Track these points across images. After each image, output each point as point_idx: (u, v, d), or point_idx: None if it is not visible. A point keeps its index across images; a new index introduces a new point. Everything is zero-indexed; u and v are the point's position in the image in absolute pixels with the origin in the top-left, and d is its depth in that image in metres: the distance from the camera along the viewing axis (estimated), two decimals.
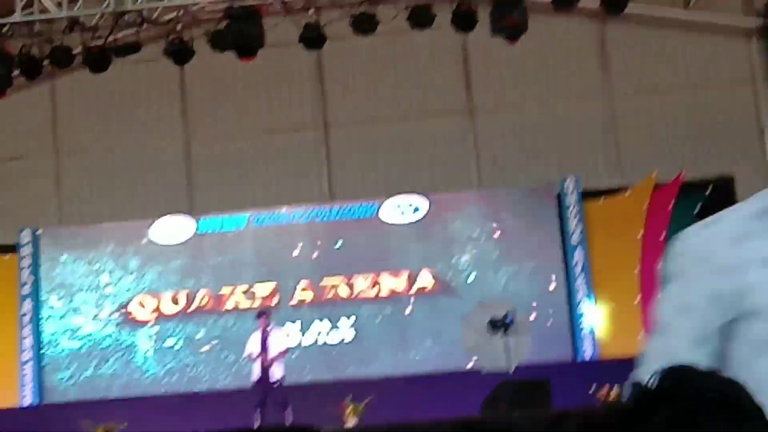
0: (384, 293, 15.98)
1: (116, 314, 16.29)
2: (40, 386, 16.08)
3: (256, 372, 13.26)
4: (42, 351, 16.22)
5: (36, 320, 16.31)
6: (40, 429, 13.85)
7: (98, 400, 15.37)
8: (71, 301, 16.39)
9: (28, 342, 16.23)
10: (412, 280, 15.95)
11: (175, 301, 16.25)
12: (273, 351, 13.29)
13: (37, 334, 16.26)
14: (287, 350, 13.50)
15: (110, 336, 16.25)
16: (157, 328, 16.21)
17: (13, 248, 16.62)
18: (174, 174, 17.33)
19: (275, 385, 13.12)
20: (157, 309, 16.25)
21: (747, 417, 1.05)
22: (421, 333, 15.71)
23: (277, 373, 13.22)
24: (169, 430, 12.53)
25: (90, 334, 16.27)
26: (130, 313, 16.28)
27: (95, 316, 16.32)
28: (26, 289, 16.41)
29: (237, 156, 17.23)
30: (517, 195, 16.21)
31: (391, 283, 15.98)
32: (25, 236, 16.61)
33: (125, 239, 16.52)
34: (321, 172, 17.12)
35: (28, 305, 16.34)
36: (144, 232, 16.46)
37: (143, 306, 16.29)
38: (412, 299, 15.91)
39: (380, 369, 15.36)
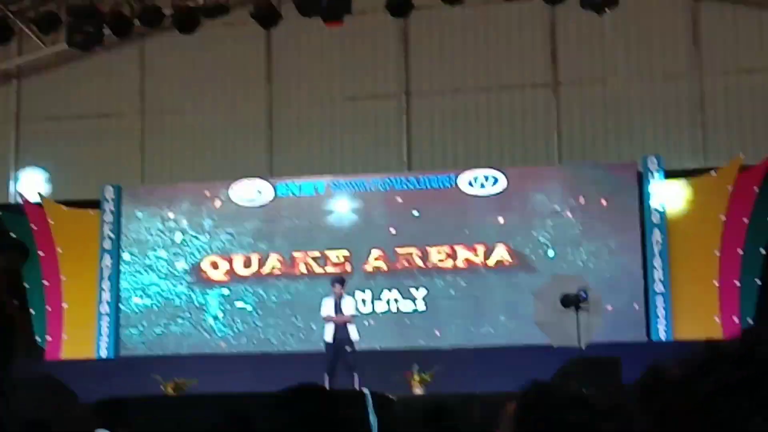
0: (460, 265, 15.93)
1: (189, 273, 16.51)
2: (116, 340, 16.41)
3: (328, 335, 13.36)
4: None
5: (115, 275, 16.63)
6: (113, 381, 14.11)
7: (170, 355, 15.65)
8: (146, 257, 16.66)
9: (106, 296, 16.56)
10: (488, 253, 15.87)
11: (248, 264, 16.41)
12: (346, 315, 13.39)
13: (115, 289, 16.58)
14: (353, 317, 13.55)
15: (182, 295, 16.49)
16: (228, 289, 16.39)
17: (96, 203, 16.94)
18: (255, 138, 17.47)
19: (348, 350, 13.20)
20: (230, 270, 16.43)
21: None
22: (495, 307, 15.63)
23: (352, 336, 13.31)
24: (240, 389, 12.67)
25: (161, 292, 16.53)
26: (203, 273, 16.49)
27: (167, 274, 16.56)
28: (107, 244, 16.74)
29: (318, 122, 17.30)
30: (598, 171, 15.99)
31: (467, 255, 15.91)
32: (108, 192, 16.91)
33: (203, 199, 16.71)
34: (400, 141, 17.10)
35: (107, 260, 16.68)
36: (223, 193, 16.63)
37: (216, 267, 16.48)
38: (488, 272, 15.83)
39: (451, 341, 15.35)
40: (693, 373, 1.03)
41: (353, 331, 13.36)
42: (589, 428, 2.49)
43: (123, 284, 16.60)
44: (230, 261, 16.48)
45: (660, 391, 1.06)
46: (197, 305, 16.43)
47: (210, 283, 16.48)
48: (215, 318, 16.38)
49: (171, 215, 16.73)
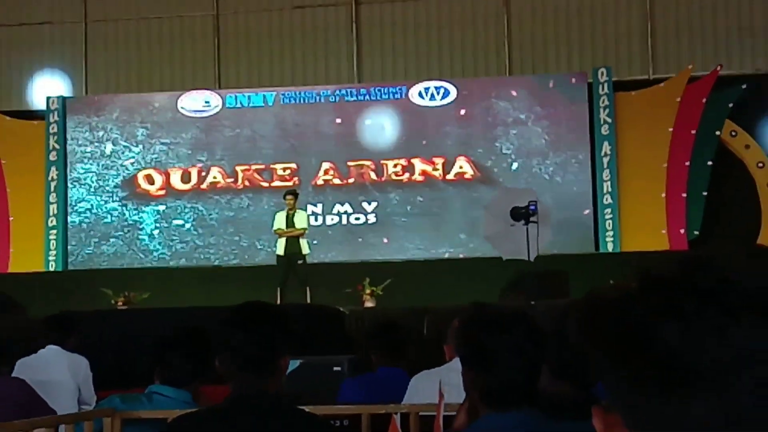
0: (414, 179, 15.91)
1: (121, 188, 16.34)
2: (64, 253, 16.29)
3: (280, 248, 13.31)
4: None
5: (62, 187, 16.43)
6: (62, 295, 14.03)
7: (121, 268, 15.56)
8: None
9: (54, 209, 16.39)
10: (447, 166, 15.84)
11: (186, 178, 16.25)
12: (299, 229, 13.29)
13: (63, 199, 16.40)
14: (305, 230, 13.47)
15: (114, 211, 16.35)
16: (164, 205, 16.25)
17: (41, 114, 16.66)
18: (202, 47, 17.18)
19: (299, 263, 13.16)
20: (166, 184, 16.27)
21: (740, 320, 1.00)
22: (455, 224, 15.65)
23: (303, 250, 13.25)
24: (193, 303, 12.66)
25: (90, 208, 16.37)
26: (138, 187, 16.32)
27: (96, 189, 16.39)
28: (53, 156, 16.50)
29: (266, 31, 17.04)
30: (548, 82, 15.98)
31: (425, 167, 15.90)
32: (53, 103, 16.62)
33: (151, 110, 16.49)
34: (350, 51, 16.91)
35: (54, 172, 16.46)
36: (170, 103, 16.41)
37: (151, 181, 16.31)
38: (447, 186, 15.82)
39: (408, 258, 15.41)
40: (628, 298, 1.04)
41: (304, 245, 13.32)
42: (523, 346, 2.57)
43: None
44: (167, 174, 16.31)
45: (596, 315, 1.08)
46: (131, 222, 16.29)
47: (146, 198, 16.32)
48: (150, 236, 16.26)
49: (117, 125, 16.51)
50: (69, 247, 16.32)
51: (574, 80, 15.91)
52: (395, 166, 15.95)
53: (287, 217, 13.32)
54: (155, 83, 17.11)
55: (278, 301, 12.80)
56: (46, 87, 17.01)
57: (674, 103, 15.48)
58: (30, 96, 17.05)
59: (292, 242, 13.22)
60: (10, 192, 16.54)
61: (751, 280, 1.03)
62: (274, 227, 13.46)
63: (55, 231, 16.32)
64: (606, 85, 15.65)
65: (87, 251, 16.26)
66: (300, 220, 13.29)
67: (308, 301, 12.86)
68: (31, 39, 17.40)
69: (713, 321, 0.99)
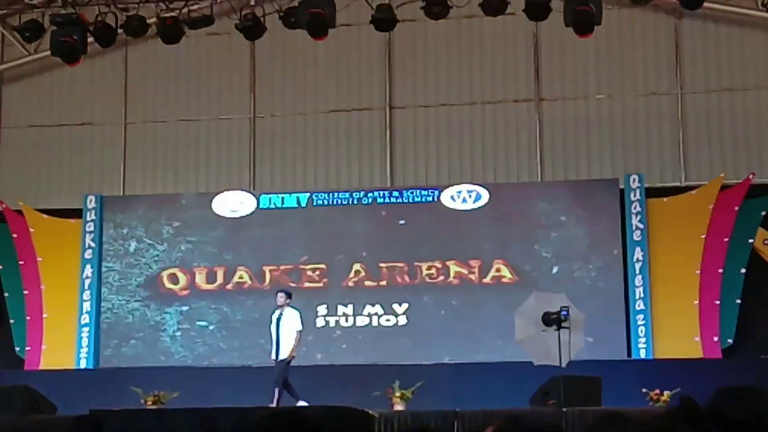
0: (453, 280, 15.91)
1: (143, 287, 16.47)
2: (96, 351, 16.34)
3: (272, 351, 13.27)
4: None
5: (98, 286, 16.56)
6: (93, 393, 14.05)
7: (151, 366, 15.55)
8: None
9: (87, 306, 16.50)
10: (484, 269, 15.83)
11: (212, 278, 16.34)
12: (284, 331, 13.19)
13: (97, 300, 16.51)
14: (298, 334, 13.34)
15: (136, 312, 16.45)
16: (188, 305, 16.30)
17: (78, 213, 16.89)
18: (239, 148, 17.44)
19: (281, 364, 13.07)
20: (191, 283, 16.36)
21: None
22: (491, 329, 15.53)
23: (283, 353, 13.12)
24: (220, 402, 12.63)
25: (111, 308, 16.49)
26: (161, 286, 16.43)
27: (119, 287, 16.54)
28: (88, 254, 16.68)
29: (301, 134, 17.29)
30: (580, 188, 16.05)
31: (460, 269, 15.91)
32: (90, 201, 16.86)
33: (187, 210, 16.68)
34: (383, 155, 17.10)
35: (89, 270, 16.61)
36: (207, 204, 16.59)
37: (176, 281, 16.40)
38: (482, 289, 15.80)
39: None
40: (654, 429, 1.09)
41: (286, 348, 13.17)
42: None
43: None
44: (192, 274, 16.42)
45: None
46: (153, 323, 16.36)
47: (169, 298, 16.41)
48: (172, 338, 16.30)
49: (155, 226, 16.69)
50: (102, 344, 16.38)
51: (605, 186, 15.96)
52: (429, 268, 15.96)
53: (278, 316, 13.25)
54: (191, 184, 17.33)
55: (295, 399, 12.73)
56: (83, 186, 17.26)
57: (707, 211, 15.49)
58: (68, 195, 17.30)
59: (277, 345, 13.17)
60: (45, 289, 16.70)
61: None
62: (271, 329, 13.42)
63: (87, 329, 16.40)
64: (638, 191, 15.70)
65: (106, 353, 16.28)
66: (288, 319, 13.20)
67: (273, 403, 12.72)
68: (71, 139, 17.74)
69: None
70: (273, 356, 13.17)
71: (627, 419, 1.09)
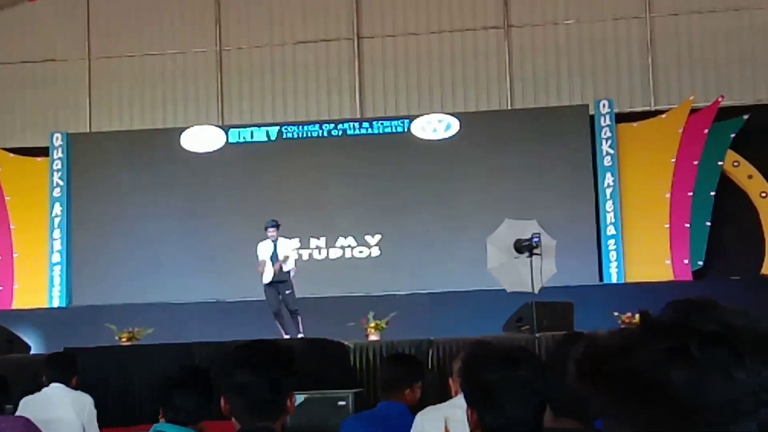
0: (424, 210, 15.91)
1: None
2: (68, 289, 16.30)
3: (267, 277, 13.22)
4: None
5: (67, 223, 16.46)
6: (66, 331, 14.03)
7: (123, 304, 15.48)
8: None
9: (57, 245, 16.41)
10: (451, 199, 15.87)
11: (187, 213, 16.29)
12: (282, 257, 13.23)
13: (68, 238, 16.42)
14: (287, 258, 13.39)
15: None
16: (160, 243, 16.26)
17: (45, 151, 16.72)
18: (206, 82, 17.27)
19: (287, 292, 13.11)
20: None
21: (744, 361, 1.03)
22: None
23: (289, 274, 13.21)
24: (197, 338, 12.64)
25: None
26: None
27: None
28: (57, 192, 16.55)
29: (269, 66, 17.13)
30: (549, 115, 16.03)
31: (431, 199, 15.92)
32: (57, 139, 16.69)
33: (155, 145, 16.55)
34: (352, 86, 16.99)
35: (58, 209, 16.50)
36: (174, 139, 16.46)
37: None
38: (450, 217, 15.82)
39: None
40: (628, 345, 1.08)
41: (290, 265, 13.25)
42: (527, 385, 2.57)
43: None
44: (164, 210, 16.38)
45: (598, 361, 1.11)
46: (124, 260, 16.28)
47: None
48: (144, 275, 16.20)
49: (123, 161, 16.54)
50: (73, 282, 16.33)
51: (575, 112, 15.95)
52: (400, 198, 15.94)
53: (273, 246, 13.24)
54: (158, 119, 17.19)
55: (282, 332, 12.77)
56: (49, 124, 17.08)
57: (676, 134, 15.53)
58: (33, 133, 17.11)
59: (281, 276, 13.18)
60: (15, 229, 16.58)
61: (750, 324, 1.06)
62: (259, 257, 13.31)
63: (58, 267, 16.33)
64: (608, 116, 15.71)
65: (78, 291, 16.26)
66: (283, 247, 13.22)
67: (301, 329, 12.81)
68: (34, 76, 17.49)
69: (719, 363, 1.02)
70: (268, 280, 13.10)
71: (591, 337, 1.09)
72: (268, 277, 13.10)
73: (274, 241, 13.19)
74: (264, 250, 13.21)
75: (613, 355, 1.07)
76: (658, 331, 1.06)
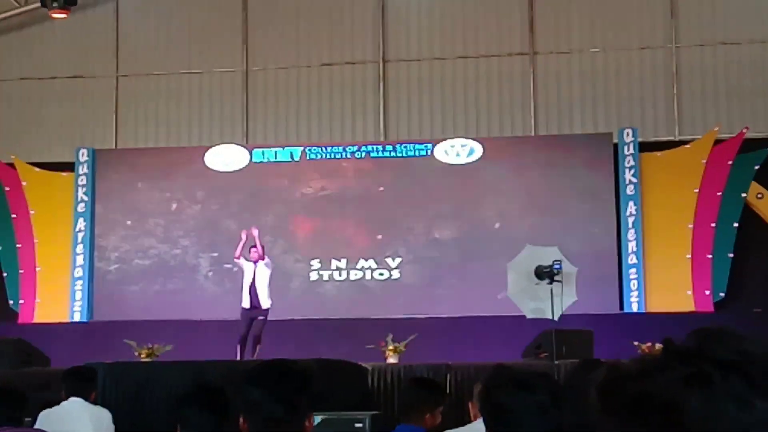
0: (446, 234, 15.91)
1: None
2: (90, 304, 16.37)
3: (245, 301, 13.24)
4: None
5: (90, 238, 16.55)
6: (86, 346, 14.08)
7: (145, 320, 15.53)
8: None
9: (80, 260, 16.50)
10: (472, 223, 15.85)
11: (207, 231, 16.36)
12: (260, 283, 13.24)
13: (91, 253, 16.51)
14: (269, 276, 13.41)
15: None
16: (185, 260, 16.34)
17: (71, 166, 16.84)
18: (231, 102, 17.36)
19: (260, 318, 13.11)
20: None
21: (760, 390, 1.05)
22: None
23: (264, 304, 13.19)
24: (217, 356, 12.66)
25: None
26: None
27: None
28: (81, 207, 16.65)
29: (294, 87, 17.20)
30: (573, 143, 16.02)
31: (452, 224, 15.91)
32: (82, 155, 16.82)
33: (179, 163, 16.64)
34: (377, 109, 17.04)
35: (81, 223, 16.60)
36: (199, 157, 16.55)
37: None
38: (471, 242, 15.80)
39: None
40: (648, 370, 1.10)
41: (265, 300, 13.23)
42: (545, 410, 2.57)
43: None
44: (186, 230, 16.48)
45: (618, 388, 1.12)
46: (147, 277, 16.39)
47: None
48: (164, 293, 16.33)
49: (147, 178, 16.64)
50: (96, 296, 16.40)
51: (599, 140, 15.94)
52: (422, 223, 15.96)
53: (253, 270, 13.28)
54: (183, 137, 17.29)
55: (238, 356, 12.77)
56: (75, 139, 17.20)
57: (700, 165, 15.48)
58: (59, 148, 17.23)
59: (255, 296, 13.19)
60: (38, 242, 16.69)
61: (766, 353, 1.08)
62: (244, 274, 13.41)
63: (81, 282, 16.42)
64: (632, 145, 15.69)
65: (99, 307, 16.31)
66: (264, 272, 13.25)
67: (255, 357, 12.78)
68: (62, 92, 17.64)
69: (736, 391, 1.03)
70: (247, 305, 13.15)
71: (611, 364, 1.11)
72: (246, 302, 13.15)
73: (255, 264, 13.19)
74: (247, 271, 13.26)
75: (632, 379, 1.08)
76: (677, 357, 1.08)
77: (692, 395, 1.04)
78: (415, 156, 16.21)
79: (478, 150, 16.06)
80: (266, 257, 13.41)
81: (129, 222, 16.59)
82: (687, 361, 1.06)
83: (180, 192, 16.57)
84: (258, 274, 13.22)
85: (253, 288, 13.17)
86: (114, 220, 16.63)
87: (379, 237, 16.03)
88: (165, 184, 16.59)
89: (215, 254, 16.27)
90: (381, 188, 16.16)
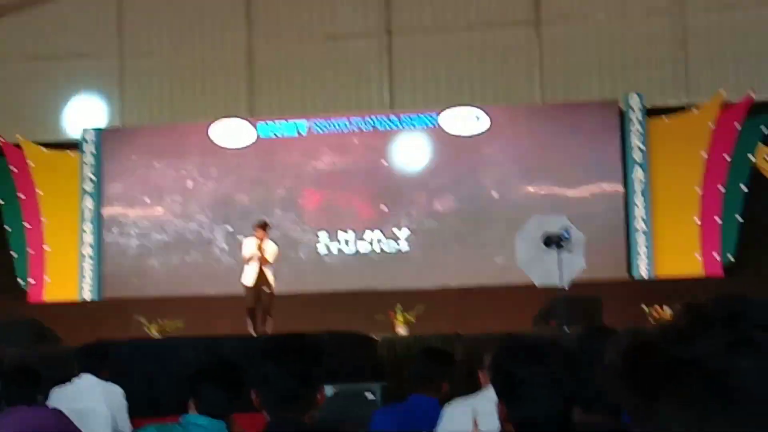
0: (453, 204, 15.92)
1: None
2: (99, 282, 16.42)
3: (249, 279, 13.11)
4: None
5: (97, 217, 16.59)
6: (97, 323, 14.13)
7: (154, 297, 15.58)
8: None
9: (88, 238, 16.53)
10: (480, 193, 15.86)
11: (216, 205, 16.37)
12: (269, 258, 13.14)
13: (99, 232, 16.54)
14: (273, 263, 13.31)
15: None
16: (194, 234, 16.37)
17: (77, 145, 16.85)
18: (235, 78, 17.32)
19: (266, 291, 13.04)
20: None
21: None
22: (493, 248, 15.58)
23: (270, 280, 13.11)
24: (227, 332, 12.70)
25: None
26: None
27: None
28: (88, 186, 16.67)
29: (299, 61, 17.15)
30: (580, 110, 15.98)
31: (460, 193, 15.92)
32: (88, 134, 16.82)
33: (185, 139, 16.64)
34: (382, 80, 16.98)
35: (89, 202, 16.63)
36: (204, 133, 16.54)
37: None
38: (480, 211, 15.80)
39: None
40: (686, 336, 1.10)
41: (271, 276, 13.16)
42: (558, 380, 2.56)
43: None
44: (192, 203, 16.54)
45: (651, 356, 1.13)
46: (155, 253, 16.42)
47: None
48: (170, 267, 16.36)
49: (154, 156, 16.65)
50: (104, 274, 16.45)
51: (605, 107, 15.89)
52: (429, 193, 15.96)
53: (258, 246, 13.15)
54: (188, 113, 17.24)
55: (252, 330, 12.72)
56: (81, 118, 17.20)
57: (707, 129, 15.43)
58: (65, 128, 17.24)
59: (261, 274, 13.08)
60: (46, 222, 16.72)
61: None
62: (244, 254, 13.26)
63: (89, 260, 16.46)
64: (639, 111, 15.64)
65: (109, 285, 16.36)
66: (269, 250, 13.12)
67: (268, 330, 12.74)
68: (67, 71, 17.61)
69: None
70: (250, 282, 13.03)
71: (626, 332, 1.10)
72: (251, 279, 12.99)
73: (261, 242, 13.02)
74: (249, 248, 13.08)
75: (668, 345, 1.09)
76: (718, 322, 1.09)
77: (742, 358, 1.06)
78: (421, 126, 16.18)
79: (485, 119, 16.03)
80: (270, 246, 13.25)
81: (135, 199, 16.59)
82: (729, 326, 1.09)
83: (186, 168, 16.56)
84: (265, 251, 13.08)
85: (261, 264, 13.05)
86: (121, 199, 16.64)
87: (386, 208, 16.01)
88: (171, 160, 16.59)
89: (223, 230, 16.30)
90: (387, 159, 16.14)
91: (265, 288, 12.97)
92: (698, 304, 1.15)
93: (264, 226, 13.15)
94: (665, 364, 1.10)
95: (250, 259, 12.97)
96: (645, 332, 1.16)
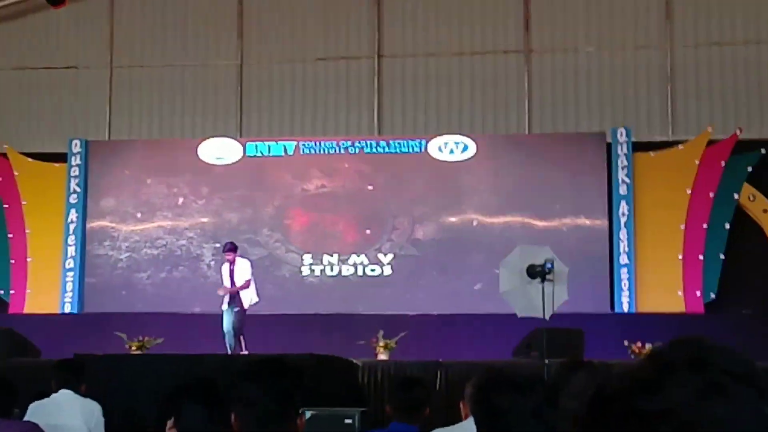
0: (438, 231, 15.94)
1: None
2: (81, 295, 16.34)
3: (225, 304, 13.27)
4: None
5: (82, 230, 16.52)
6: (77, 337, 14.06)
7: (135, 312, 15.51)
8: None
9: (72, 251, 16.46)
10: (465, 220, 15.89)
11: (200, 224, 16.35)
12: (239, 282, 13.26)
13: (82, 244, 16.48)
14: (249, 282, 13.40)
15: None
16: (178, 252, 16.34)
17: (63, 157, 16.80)
18: (225, 95, 17.33)
19: (236, 310, 13.14)
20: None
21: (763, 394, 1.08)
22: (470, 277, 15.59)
23: (245, 302, 13.22)
24: (206, 350, 12.66)
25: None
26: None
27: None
28: (73, 198, 16.62)
29: (289, 81, 17.18)
30: (566, 142, 16.04)
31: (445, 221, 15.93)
32: (75, 146, 16.78)
33: (173, 156, 16.62)
34: (371, 104, 17.02)
35: (73, 214, 16.57)
36: (192, 150, 16.52)
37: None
38: (464, 239, 15.83)
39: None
40: (655, 385, 1.10)
41: (246, 296, 13.26)
42: (539, 413, 2.57)
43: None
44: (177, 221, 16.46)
45: (614, 403, 1.12)
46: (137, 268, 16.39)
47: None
48: (154, 284, 16.33)
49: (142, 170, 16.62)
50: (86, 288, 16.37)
51: (592, 139, 15.96)
52: (414, 219, 15.97)
53: (230, 271, 13.32)
54: (176, 129, 17.25)
55: (228, 350, 12.78)
56: (68, 130, 17.16)
57: (693, 165, 15.51)
58: (52, 139, 17.19)
59: (234, 297, 13.21)
60: (30, 233, 16.65)
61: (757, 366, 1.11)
62: (222, 282, 13.44)
63: (72, 273, 16.38)
64: (625, 145, 15.71)
65: (90, 298, 16.29)
66: (241, 271, 13.28)
67: (243, 347, 12.82)
68: (55, 82, 17.59)
69: (750, 401, 1.06)
70: (225, 306, 13.21)
71: (592, 366, 1.10)
72: (225, 303, 13.19)
73: (232, 265, 13.22)
74: (225, 273, 13.32)
75: (636, 395, 1.07)
76: (684, 369, 1.08)
77: (712, 407, 1.04)
78: (408, 152, 16.20)
79: (472, 147, 16.07)
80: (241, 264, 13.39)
81: (121, 213, 16.54)
82: (698, 373, 1.07)
83: (172, 184, 16.53)
84: (236, 273, 13.24)
85: (233, 285, 13.22)
86: (106, 212, 16.59)
87: (371, 232, 16.02)
88: (157, 176, 16.56)
89: (208, 247, 16.26)
90: (370, 186, 16.15)
91: (235, 308, 13.06)
92: (659, 350, 1.13)
93: (232, 249, 13.27)
94: (634, 417, 1.10)
95: (225, 287, 13.15)
96: (611, 379, 1.15)
